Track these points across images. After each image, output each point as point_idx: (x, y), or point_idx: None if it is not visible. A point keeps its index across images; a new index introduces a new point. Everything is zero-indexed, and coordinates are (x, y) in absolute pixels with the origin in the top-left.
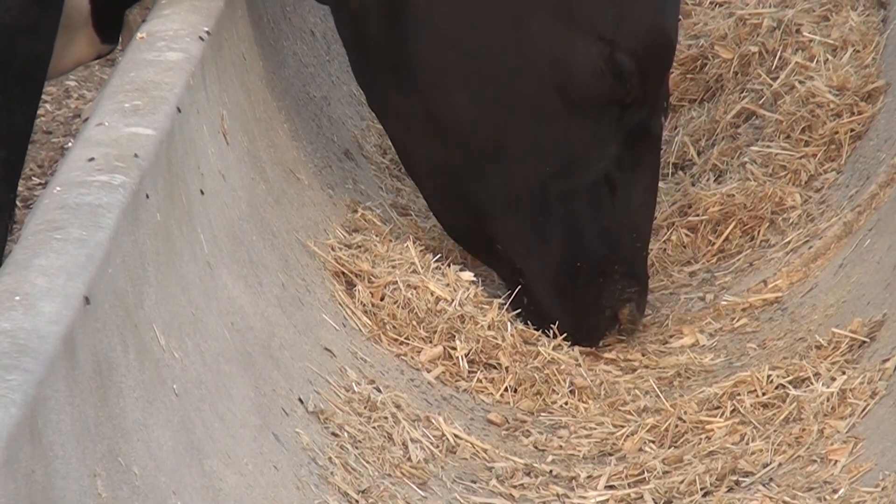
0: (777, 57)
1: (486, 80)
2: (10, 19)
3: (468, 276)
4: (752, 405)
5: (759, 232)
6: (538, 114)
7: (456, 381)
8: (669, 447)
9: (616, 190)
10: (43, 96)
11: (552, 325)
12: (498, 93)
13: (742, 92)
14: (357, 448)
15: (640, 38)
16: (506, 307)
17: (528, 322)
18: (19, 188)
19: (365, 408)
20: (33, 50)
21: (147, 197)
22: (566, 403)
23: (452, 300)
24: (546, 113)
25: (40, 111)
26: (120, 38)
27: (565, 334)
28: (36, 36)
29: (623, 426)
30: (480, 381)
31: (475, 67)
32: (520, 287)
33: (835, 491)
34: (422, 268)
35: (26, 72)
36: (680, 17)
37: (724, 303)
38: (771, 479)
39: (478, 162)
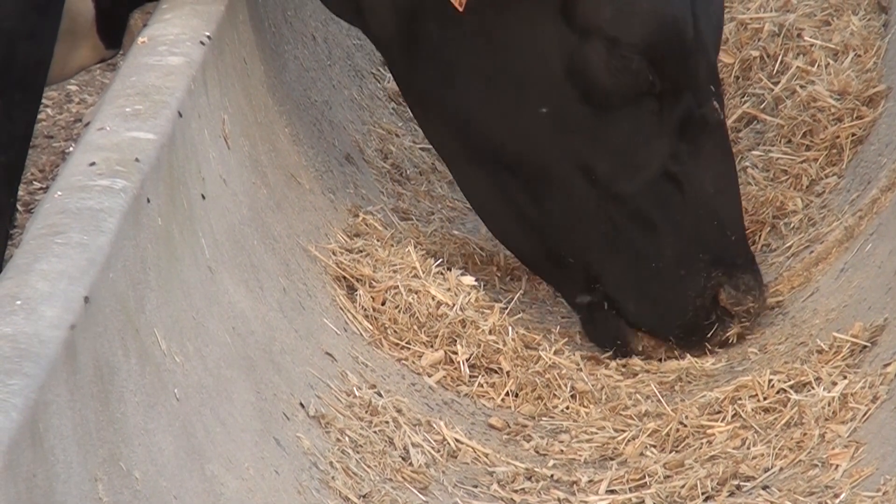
0: (778, 61)
1: (511, 101)
2: (9, 25)
3: (469, 280)
4: (753, 409)
5: (760, 236)
6: (570, 125)
7: (457, 385)
8: (671, 452)
9: (682, 183)
10: (44, 100)
11: (640, 335)
12: (526, 112)
13: (743, 96)
14: (358, 452)
15: (638, 30)
16: (507, 311)
17: (603, 341)
18: (21, 192)
19: (366, 412)
20: (33, 55)
21: (148, 201)
22: (567, 408)
23: (453, 305)
24: (578, 123)
25: (41, 115)
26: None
27: (669, 343)
28: (35, 41)
29: (624, 431)
30: (481, 386)
31: (497, 91)
32: (600, 297)
33: (836, 495)
34: (423, 272)
35: (26, 77)
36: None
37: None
38: (772, 484)
39: (527, 185)
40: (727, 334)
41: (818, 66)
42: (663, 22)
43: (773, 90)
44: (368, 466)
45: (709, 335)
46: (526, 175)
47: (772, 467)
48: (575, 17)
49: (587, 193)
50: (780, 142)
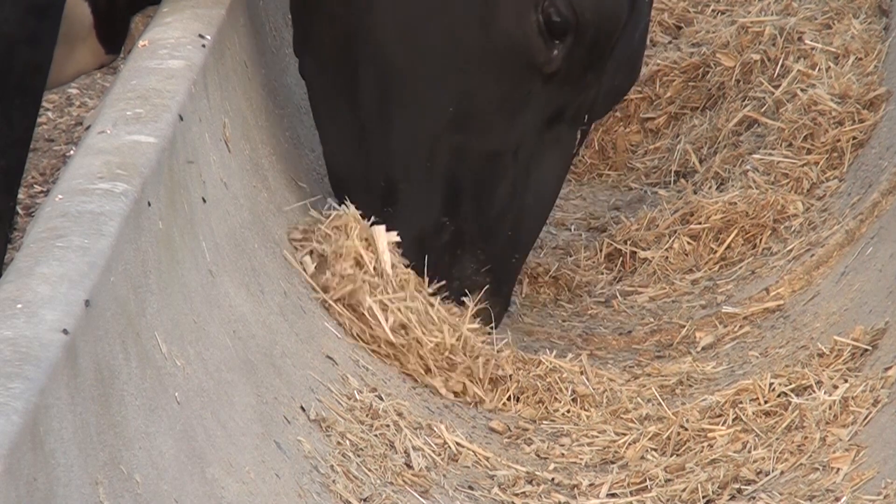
0: (779, 65)
1: (421, 11)
2: (8, 29)
3: (392, 236)
4: (754, 413)
5: (761, 240)
6: (461, 55)
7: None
8: (671, 455)
9: (505, 173)
10: (45, 104)
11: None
12: (428, 24)
13: (744, 100)
14: (359, 456)
15: (584, 1)
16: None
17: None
18: (21, 196)
19: (367, 416)
20: (32, 60)
21: (149, 205)
22: (568, 411)
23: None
24: (468, 56)
25: (42, 119)
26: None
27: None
28: (35, 46)
29: (625, 434)
30: (483, 390)
31: (417, 8)
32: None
33: (837, 499)
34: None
35: (25, 81)
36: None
37: (726, 311)
38: (773, 487)
39: (388, 89)
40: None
41: (819, 69)
42: (603, 11)
43: (773, 93)
44: (369, 470)
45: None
46: (393, 80)
47: (773, 471)
48: None
49: (434, 124)
50: (780, 145)
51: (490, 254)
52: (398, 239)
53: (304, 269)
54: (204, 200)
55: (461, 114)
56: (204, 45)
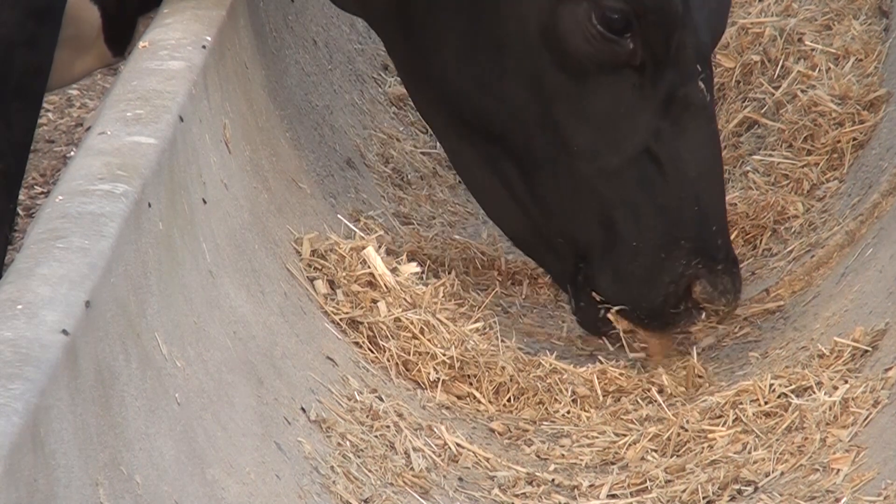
0: (779, 66)
1: (493, 70)
2: (7, 32)
3: (413, 268)
4: (754, 414)
5: (761, 241)
6: (548, 94)
7: (458, 389)
8: (672, 456)
9: (663, 163)
10: (45, 105)
11: (614, 313)
12: (506, 80)
13: (744, 101)
14: (359, 457)
15: None
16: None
17: (588, 322)
18: (22, 197)
19: (367, 417)
20: (32, 62)
21: (149, 206)
22: (568, 412)
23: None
24: (555, 91)
25: (42, 120)
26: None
27: (634, 322)
28: (34, 49)
29: (625, 435)
30: (483, 390)
31: (480, 60)
32: (581, 278)
33: (837, 500)
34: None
35: (25, 84)
36: None
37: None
38: (773, 488)
39: (511, 157)
40: (690, 328)
41: (819, 70)
42: None
43: (774, 94)
44: (369, 471)
45: (674, 322)
46: (509, 146)
47: (773, 472)
48: None
49: (570, 168)
50: (781, 146)
51: (691, 240)
52: (417, 269)
53: (315, 291)
54: (204, 201)
55: (588, 145)
56: (204, 47)
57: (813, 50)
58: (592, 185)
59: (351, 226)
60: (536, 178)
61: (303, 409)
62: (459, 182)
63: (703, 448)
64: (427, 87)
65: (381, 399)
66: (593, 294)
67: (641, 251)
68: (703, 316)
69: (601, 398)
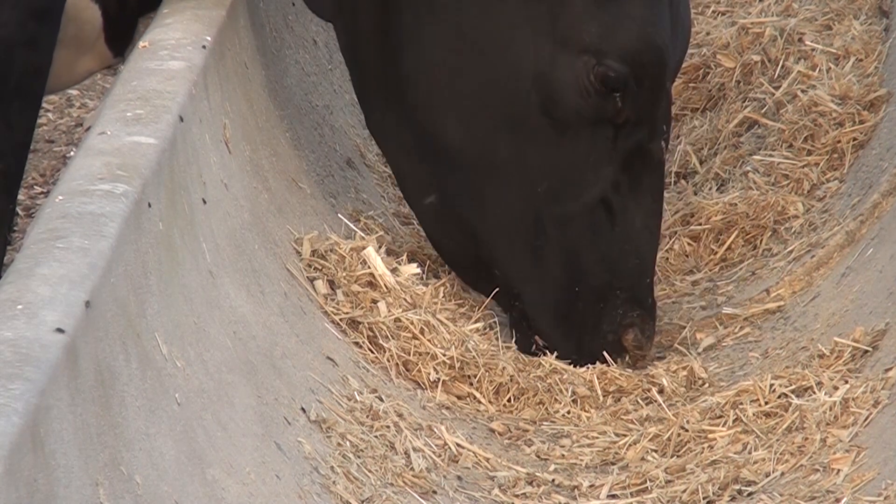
0: (779, 66)
1: (473, 99)
2: (7, 33)
3: (413, 269)
4: (754, 414)
5: (761, 241)
6: (525, 134)
7: (458, 390)
8: (672, 456)
9: (615, 214)
10: (45, 105)
11: (550, 352)
12: (485, 112)
13: (744, 101)
14: (359, 457)
15: (628, 48)
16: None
17: (525, 349)
18: (22, 197)
19: (367, 417)
20: (32, 63)
21: (149, 206)
22: (568, 412)
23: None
24: (533, 133)
25: (42, 120)
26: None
27: (567, 360)
28: (34, 49)
29: (625, 435)
30: (483, 391)
31: (461, 86)
32: (518, 312)
33: (837, 500)
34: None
35: (25, 84)
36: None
37: (727, 312)
38: (773, 489)
39: (470, 184)
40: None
41: (819, 70)
42: (650, 47)
43: (774, 94)
44: (369, 471)
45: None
46: (472, 175)
47: (773, 472)
48: (558, 26)
49: (526, 205)
50: (781, 146)
51: (626, 289)
52: (417, 270)
53: (315, 291)
54: (204, 201)
55: (551, 190)
56: (204, 47)
57: (813, 50)
58: (547, 227)
59: (351, 225)
60: (490, 209)
61: (303, 409)
62: None
63: (703, 448)
64: (395, 107)
65: (381, 399)
66: (536, 336)
67: (582, 298)
68: (627, 359)
69: (601, 398)
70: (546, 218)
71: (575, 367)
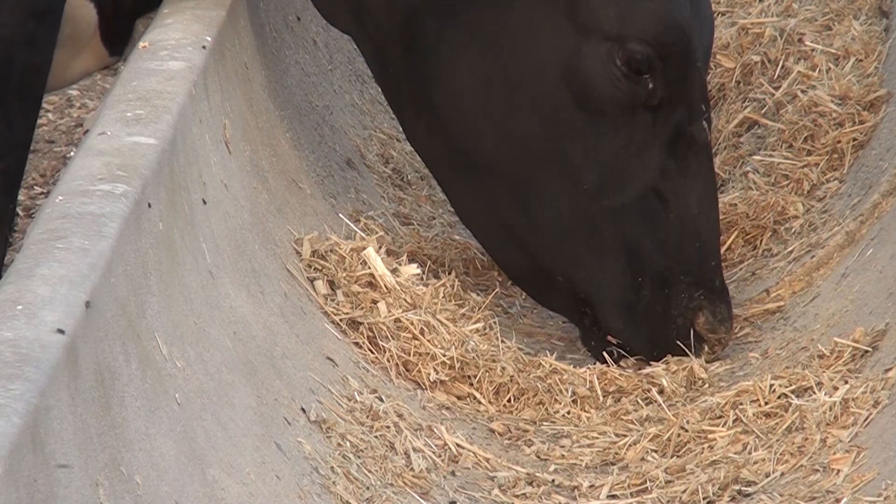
0: (779, 66)
1: (503, 105)
2: (7, 32)
3: (413, 269)
4: (754, 414)
5: (761, 241)
6: (563, 131)
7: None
8: (672, 456)
9: (668, 200)
10: (45, 105)
11: (625, 350)
12: (517, 116)
13: (744, 101)
14: (359, 457)
15: (650, 28)
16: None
17: (602, 357)
18: (22, 197)
19: (367, 417)
20: (31, 62)
21: (149, 206)
22: (568, 413)
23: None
24: (571, 129)
25: (42, 120)
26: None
27: (642, 356)
28: (34, 48)
29: (625, 435)
30: (483, 391)
31: (490, 94)
32: (589, 321)
33: (837, 500)
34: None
35: (24, 84)
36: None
37: None
38: (773, 489)
39: (514, 193)
40: (695, 359)
41: (819, 70)
42: (670, 25)
43: (774, 95)
44: (369, 471)
45: (673, 351)
46: (514, 183)
47: (773, 472)
48: (577, 17)
49: (576, 206)
50: (781, 146)
51: (690, 273)
52: (417, 271)
53: (316, 291)
54: (204, 202)
55: (598, 184)
56: (204, 47)
57: (813, 50)
58: (601, 223)
59: (352, 225)
60: (537, 214)
61: (303, 409)
62: None
63: (703, 448)
64: (427, 116)
65: (381, 399)
66: (608, 337)
67: (646, 288)
68: (705, 345)
69: (601, 399)
70: (598, 214)
71: (656, 361)
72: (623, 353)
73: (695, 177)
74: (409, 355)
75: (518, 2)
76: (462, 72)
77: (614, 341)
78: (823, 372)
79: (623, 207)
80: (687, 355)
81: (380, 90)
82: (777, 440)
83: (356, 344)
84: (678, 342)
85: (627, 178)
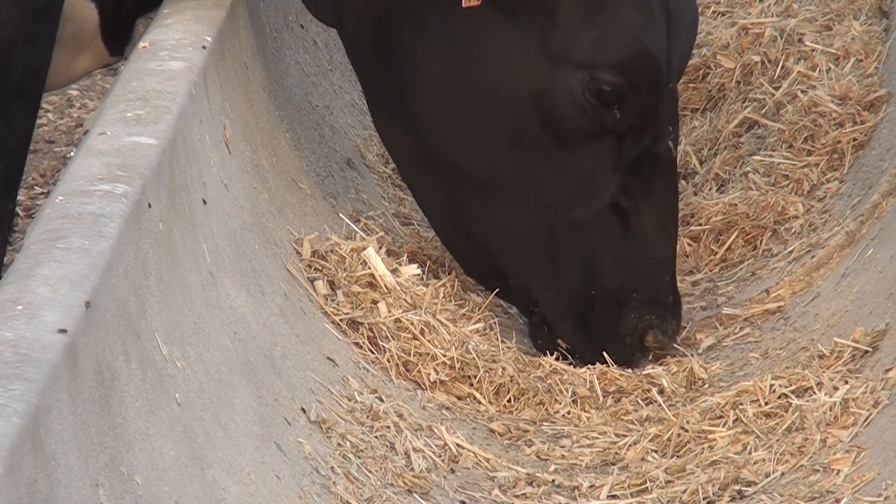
0: (779, 66)
1: (473, 116)
2: (5, 33)
3: (413, 269)
4: (754, 414)
5: (761, 241)
6: (528, 149)
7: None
8: (672, 457)
9: (627, 218)
10: (45, 105)
11: (572, 356)
12: (486, 129)
13: (744, 101)
14: (359, 458)
15: (620, 58)
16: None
17: (548, 352)
18: (22, 197)
19: (367, 417)
20: (30, 63)
21: (149, 206)
22: (568, 413)
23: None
24: (536, 148)
25: (42, 120)
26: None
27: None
28: (33, 49)
29: (626, 436)
30: (483, 391)
31: (461, 104)
32: (538, 318)
33: (837, 501)
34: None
35: (23, 84)
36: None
37: (727, 312)
38: (773, 489)
39: (476, 196)
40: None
41: (819, 70)
42: (642, 56)
43: (774, 95)
44: (370, 471)
45: (625, 362)
46: (477, 187)
47: (773, 472)
48: (550, 45)
49: (535, 216)
50: (781, 146)
51: (644, 290)
52: (417, 271)
53: (316, 292)
54: (204, 202)
55: (559, 198)
56: (204, 47)
57: (813, 50)
58: (558, 235)
59: (353, 226)
60: (497, 220)
61: (303, 409)
62: None
63: (703, 449)
64: (399, 119)
65: (381, 400)
66: (558, 340)
67: (599, 302)
68: (649, 355)
69: (601, 399)
70: (557, 227)
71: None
72: (569, 354)
73: (656, 194)
74: (410, 355)
75: (493, 20)
76: (434, 79)
77: (563, 345)
78: (823, 372)
79: (582, 222)
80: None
81: None
82: (777, 440)
83: (356, 344)
84: (628, 355)
85: (588, 195)
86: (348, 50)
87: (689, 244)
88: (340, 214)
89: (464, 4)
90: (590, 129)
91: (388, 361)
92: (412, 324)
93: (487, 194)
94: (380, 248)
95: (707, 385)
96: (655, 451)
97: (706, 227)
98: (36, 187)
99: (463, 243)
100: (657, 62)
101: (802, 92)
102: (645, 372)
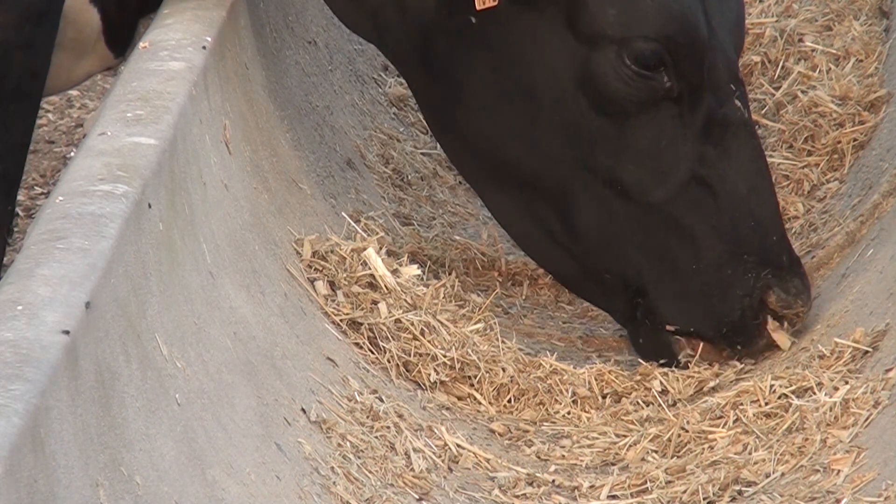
0: (780, 66)
1: (525, 118)
2: (5, 35)
3: (414, 270)
4: (754, 415)
5: None
6: (589, 139)
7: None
8: (672, 457)
9: (713, 186)
10: (45, 106)
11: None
12: (541, 128)
13: None
14: (359, 458)
15: (651, 24)
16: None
17: (650, 357)
18: (22, 197)
19: (367, 417)
20: (29, 65)
21: (149, 206)
22: (569, 413)
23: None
24: (596, 135)
25: (42, 121)
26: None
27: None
28: (31, 51)
29: (626, 436)
30: (484, 392)
31: (509, 109)
32: (641, 313)
33: (837, 501)
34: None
35: (22, 87)
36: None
37: None
38: (773, 489)
39: (550, 201)
40: (777, 338)
41: (819, 71)
42: (672, 16)
43: (774, 95)
44: (370, 472)
45: (755, 337)
46: (549, 193)
47: (773, 472)
48: (580, 27)
49: (616, 205)
50: (781, 147)
51: (755, 252)
52: (418, 272)
53: (316, 292)
54: (204, 202)
55: (635, 182)
56: (204, 47)
57: (813, 51)
58: (643, 218)
59: (354, 225)
60: (577, 218)
61: (303, 409)
62: (460, 183)
63: (703, 449)
64: (454, 135)
65: (381, 400)
66: (667, 326)
67: (704, 272)
68: (786, 325)
69: (601, 399)
70: (641, 211)
71: (730, 346)
72: (681, 337)
73: (737, 157)
74: (410, 356)
75: (518, 16)
76: (478, 90)
77: (672, 328)
78: (824, 372)
79: (666, 200)
80: (759, 336)
81: (380, 90)
82: (777, 440)
83: (356, 344)
84: (753, 322)
85: (664, 172)
86: (400, 71)
87: None
88: (342, 214)
89: (478, 7)
90: (642, 99)
91: (389, 362)
92: (412, 324)
93: (562, 195)
94: (380, 248)
95: (707, 385)
96: (655, 452)
97: None
98: (36, 187)
99: (548, 251)
100: (689, 22)
101: (803, 92)
102: (644, 372)
